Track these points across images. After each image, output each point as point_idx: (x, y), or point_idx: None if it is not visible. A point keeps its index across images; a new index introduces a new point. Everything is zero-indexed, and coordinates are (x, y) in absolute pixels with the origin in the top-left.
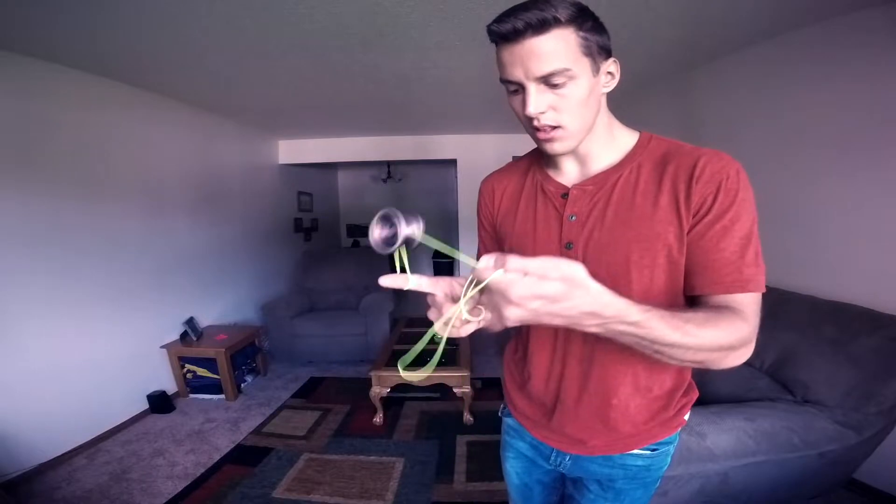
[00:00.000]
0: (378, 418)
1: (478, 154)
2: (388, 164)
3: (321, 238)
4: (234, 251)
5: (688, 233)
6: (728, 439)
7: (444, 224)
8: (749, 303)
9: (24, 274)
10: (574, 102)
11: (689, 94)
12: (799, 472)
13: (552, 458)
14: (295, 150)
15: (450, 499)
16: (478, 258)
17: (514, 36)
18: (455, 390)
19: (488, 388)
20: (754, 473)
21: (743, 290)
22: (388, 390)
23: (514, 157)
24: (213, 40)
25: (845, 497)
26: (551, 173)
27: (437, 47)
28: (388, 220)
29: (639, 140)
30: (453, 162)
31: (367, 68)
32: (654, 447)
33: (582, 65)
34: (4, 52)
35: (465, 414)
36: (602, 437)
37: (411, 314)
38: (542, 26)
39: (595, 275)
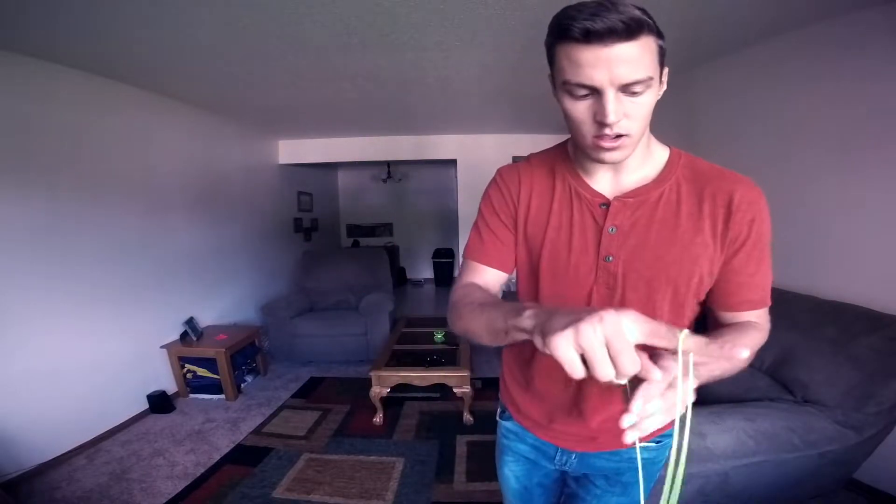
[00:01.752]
0: (378, 418)
1: (478, 154)
2: (388, 164)
3: (321, 238)
4: (235, 251)
5: (726, 260)
6: (728, 439)
7: (444, 224)
8: (766, 314)
9: (25, 274)
10: (645, 111)
11: (689, 93)
12: (799, 472)
13: (557, 457)
14: (295, 150)
15: (450, 499)
16: (468, 248)
17: (607, 37)
18: (455, 390)
19: (488, 388)
20: (754, 473)
21: (764, 306)
22: (388, 390)
23: (514, 158)
24: (214, 40)
25: (845, 497)
26: (585, 178)
27: (437, 47)
28: None
29: (671, 156)
30: (453, 162)
31: (367, 68)
32: (659, 439)
33: (657, 74)
34: (4, 52)
35: (466, 414)
36: (613, 433)
37: (411, 314)
38: (637, 31)
39: (634, 289)
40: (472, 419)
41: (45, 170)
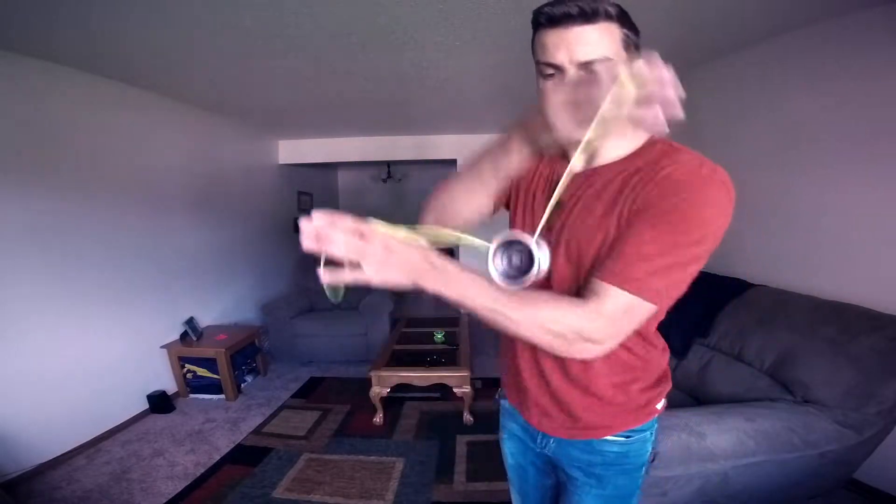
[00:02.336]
0: (378, 418)
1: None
2: (388, 164)
3: None
4: (235, 251)
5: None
6: (728, 439)
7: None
8: (613, 297)
9: (25, 274)
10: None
11: (688, 93)
12: (799, 472)
13: (538, 440)
14: (295, 150)
15: (450, 499)
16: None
17: (565, 20)
18: (455, 390)
19: (488, 388)
20: (754, 473)
21: (612, 280)
22: (388, 390)
23: None
24: (214, 40)
25: (845, 497)
26: (562, 159)
27: (437, 47)
28: (512, 247)
29: (646, 141)
30: (453, 162)
31: (367, 68)
32: (629, 434)
33: (620, 58)
34: (4, 52)
35: (466, 414)
36: (561, 418)
37: (411, 314)
38: (593, 16)
39: (567, 258)
40: (472, 419)
41: (45, 169)
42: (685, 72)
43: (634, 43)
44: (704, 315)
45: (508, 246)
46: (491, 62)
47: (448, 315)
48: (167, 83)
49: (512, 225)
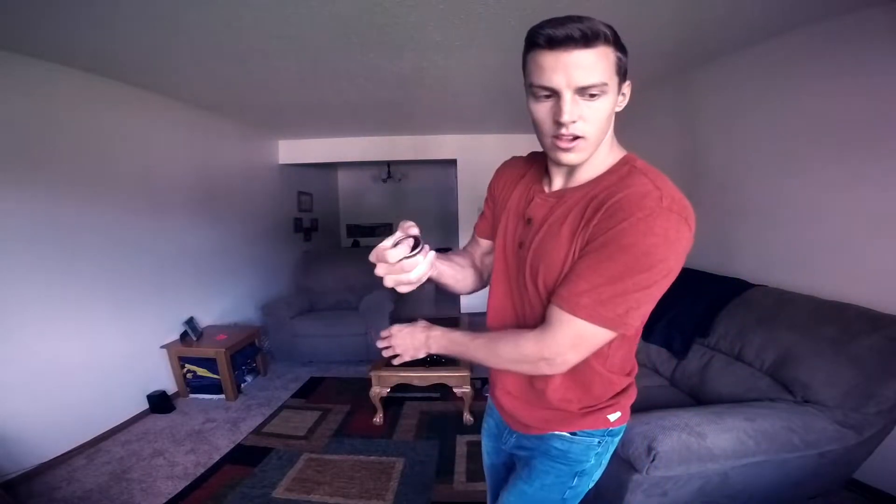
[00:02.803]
0: (378, 418)
1: (478, 154)
2: (389, 164)
3: (321, 238)
4: (234, 251)
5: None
6: (728, 439)
7: (444, 224)
8: (566, 323)
9: (25, 274)
10: (602, 116)
11: (689, 93)
12: (799, 472)
13: (504, 435)
14: (295, 150)
15: (450, 499)
16: (477, 226)
17: (566, 43)
18: (455, 390)
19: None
20: (754, 473)
21: (561, 304)
22: (388, 390)
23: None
24: (214, 40)
25: (845, 497)
26: (545, 180)
27: (437, 47)
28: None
29: (617, 161)
30: (453, 162)
31: (367, 68)
32: (574, 432)
33: (613, 82)
34: (4, 52)
35: (466, 414)
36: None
37: (411, 314)
38: (593, 39)
39: (532, 279)
40: (472, 419)
41: (45, 169)
42: (685, 72)
43: (624, 66)
44: (704, 315)
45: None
46: (491, 62)
47: (448, 315)
48: (167, 83)
49: (501, 234)
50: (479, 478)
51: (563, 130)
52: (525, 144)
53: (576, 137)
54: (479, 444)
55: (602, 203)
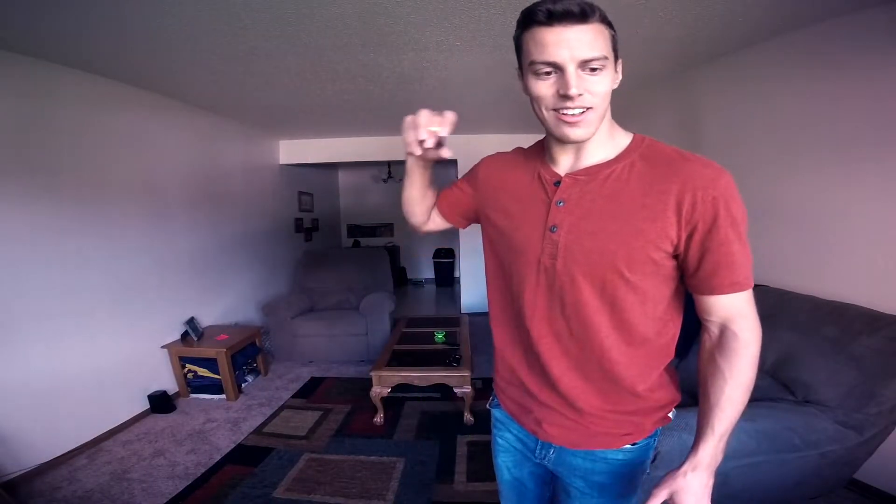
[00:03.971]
0: (378, 418)
1: (478, 154)
2: (389, 164)
3: (322, 238)
4: (235, 251)
5: (689, 240)
6: (729, 439)
7: None
8: (749, 300)
9: (25, 273)
10: (604, 89)
11: (689, 93)
12: (800, 472)
13: (537, 451)
14: (295, 150)
15: (450, 499)
16: (448, 197)
17: (566, 18)
18: (456, 390)
19: (489, 388)
20: (755, 473)
21: (746, 287)
22: (389, 390)
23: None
24: (214, 40)
25: (846, 497)
26: (550, 164)
27: (437, 47)
28: None
29: (633, 140)
30: (454, 162)
31: (367, 68)
32: (636, 442)
33: (611, 57)
34: (4, 52)
35: (466, 414)
36: (570, 426)
37: (412, 314)
38: (590, 15)
39: (575, 261)
40: (472, 419)
41: (46, 170)
42: (685, 71)
43: (616, 43)
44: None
45: None
46: (491, 62)
47: (448, 315)
48: (167, 83)
49: (511, 229)
50: (480, 478)
51: (569, 103)
52: (525, 144)
53: (583, 110)
54: (479, 444)
55: (682, 179)
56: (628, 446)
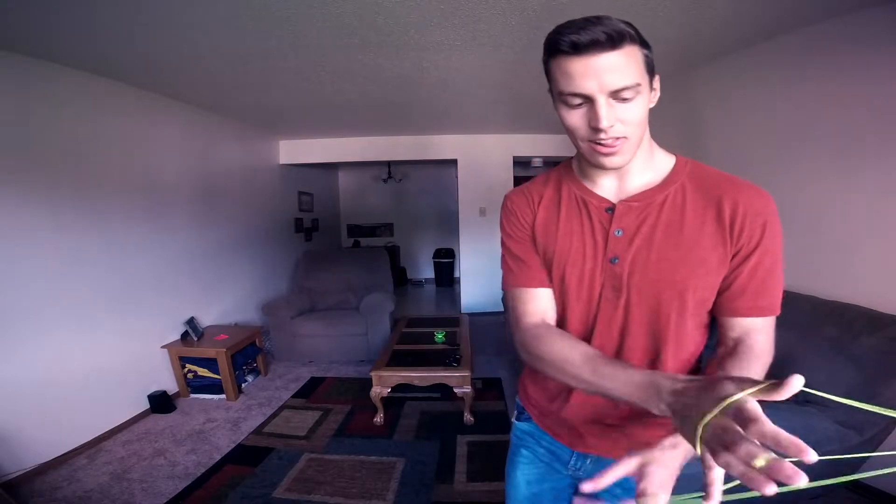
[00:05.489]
0: (379, 418)
1: (478, 154)
2: (389, 164)
3: (322, 238)
4: (235, 251)
5: (732, 261)
6: None
7: (444, 224)
8: (771, 326)
9: (25, 274)
10: (639, 116)
11: (689, 93)
12: None
13: (571, 462)
14: (295, 150)
15: (450, 499)
16: (508, 280)
17: (592, 48)
18: (456, 390)
19: (489, 388)
20: None
21: (773, 313)
22: (389, 390)
23: (514, 158)
24: (214, 40)
25: (846, 497)
26: (589, 186)
27: (437, 47)
28: None
29: (677, 162)
30: (454, 162)
31: (367, 68)
32: None
33: (645, 81)
34: (4, 52)
35: (466, 414)
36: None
37: (412, 314)
38: (619, 41)
39: (639, 291)
40: (472, 419)
41: (46, 170)
42: (685, 72)
43: (651, 62)
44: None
45: None
46: (491, 62)
47: (448, 315)
48: (167, 83)
49: (562, 258)
50: (480, 478)
51: (602, 136)
52: (526, 144)
53: (618, 139)
54: (479, 444)
55: (734, 204)
56: None
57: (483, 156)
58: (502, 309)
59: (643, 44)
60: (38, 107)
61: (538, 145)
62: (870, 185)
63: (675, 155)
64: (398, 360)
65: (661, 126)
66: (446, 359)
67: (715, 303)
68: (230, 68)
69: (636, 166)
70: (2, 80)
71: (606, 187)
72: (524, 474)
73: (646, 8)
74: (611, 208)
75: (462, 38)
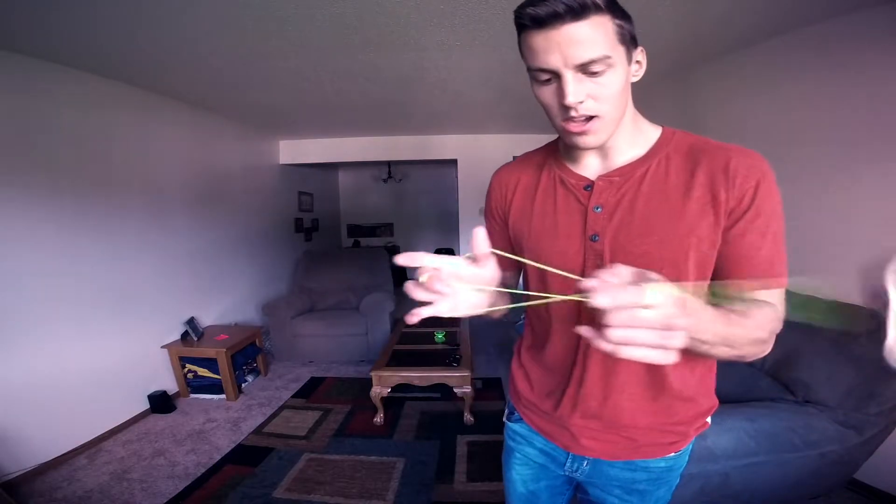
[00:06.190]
0: (378, 418)
1: (478, 154)
2: (389, 164)
3: (322, 238)
4: (235, 251)
5: (725, 229)
6: (729, 439)
7: (444, 224)
8: (778, 296)
9: (26, 274)
10: (612, 91)
11: (689, 93)
12: (799, 472)
13: (567, 463)
14: (295, 150)
15: (450, 499)
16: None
17: (553, 20)
18: (456, 390)
19: (489, 388)
20: (755, 474)
21: (776, 284)
22: (389, 390)
23: (514, 158)
24: (214, 40)
25: (846, 497)
26: (570, 166)
27: (437, 47)
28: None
29: (663, 133)
30: (454, 162)
31: (367, 68)
32: (677, 452)
33: (619, 52)
34: (4, 52)
35: (466, 414)
36: (613, 442)
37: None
38: (582, 11)
39: (630, 258)
40: (472, 419)
41: (46, 170)
42: (685, 71)
43: (630, 33)
44: None
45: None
46: (491, 62)
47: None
48: (167, 83)
49: (544, 243)
50: (480, 478)
51: (573, 113)
52: (526, 144)
53: (589, 119)
54: (479, 444)
55: (723, 167)
56: (672, 455)
57: (483, 156)
58: None
59: (617, 13)
60: (39, 107)
61: (538, 145)
62: (870, 184)
63: (663, 127)
64: (398, 360)
65: (660, 124)
66: (446, 359)
67: (713, 276)
68: (230, 68)
69: (621, 143)
70: (2, 80)
71: (591, 166)
72: (519, 474)
73: (646, 7)
74: (589, 185)
75: (462, 38)
